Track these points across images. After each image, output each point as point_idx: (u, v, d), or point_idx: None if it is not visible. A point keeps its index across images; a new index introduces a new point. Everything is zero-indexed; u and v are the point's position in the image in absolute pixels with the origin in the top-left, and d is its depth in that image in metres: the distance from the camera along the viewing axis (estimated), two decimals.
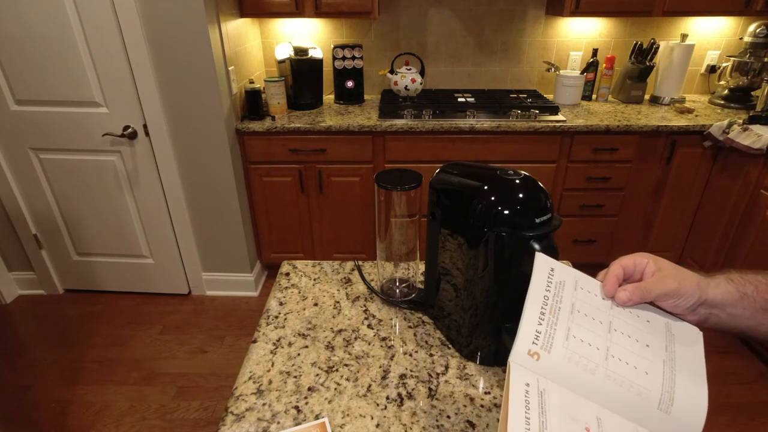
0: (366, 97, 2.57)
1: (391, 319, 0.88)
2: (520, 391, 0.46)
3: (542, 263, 0.56)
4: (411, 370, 0.76)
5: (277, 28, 2.45)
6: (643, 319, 0.54)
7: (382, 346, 0.81)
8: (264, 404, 0.70)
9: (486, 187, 0.67)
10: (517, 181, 0.67)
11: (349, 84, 2.41)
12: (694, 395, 0.49)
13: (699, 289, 0.51)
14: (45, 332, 2.21)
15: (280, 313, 0.90)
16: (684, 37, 2.31)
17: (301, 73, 2.28)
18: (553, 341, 0.50)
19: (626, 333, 0.52)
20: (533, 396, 0.46)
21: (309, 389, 0.72)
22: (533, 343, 0.50)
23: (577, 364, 0.50)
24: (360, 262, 1.05)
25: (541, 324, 0.51)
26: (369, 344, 0.82)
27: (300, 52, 2.27)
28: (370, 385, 0.73)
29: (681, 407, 0.48)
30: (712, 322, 0.53)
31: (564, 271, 0.56)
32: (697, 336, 0.53)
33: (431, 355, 0.79)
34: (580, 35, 2.48)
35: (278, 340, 0.83)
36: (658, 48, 2.31)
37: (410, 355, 0.79)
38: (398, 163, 2.17)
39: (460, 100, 2.37)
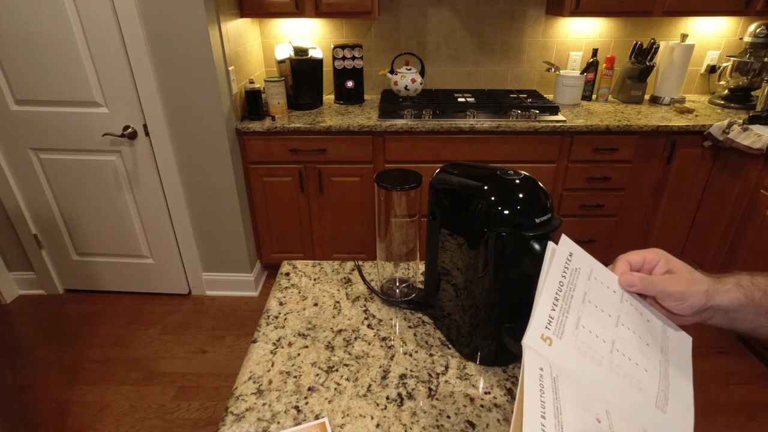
0: (366, 97, 2.57)
1: (391, 319, 0.88)
2: (535, 374, 0.46)
3: (564, 246, 0.55)
4: (411, 370, 0.76)
5: (277, 28, 2.45)
6: (645, 318, 0.54)
7: (382, 346, 0.81)
8: (264, 404, 0.70)
9: (486, 187, 0.67)
10: (517, 181, 0.67)
11: (349, 84, 2.40)
12: (684, 397, 0.50)
13: (706, 296, 0.52)
14: (45, 332, 2.21)
15: (280, 313, 0.90)
16: (684, 37, 2.31)
17: (301, 73, 2.28)
18: (565, 328, 0.50)
19: (631, 329, 0.53)
20: (547, 380, 0.46)
21: (309, 389, 0.72)
22: (546, 327, 0.50)
23: (585, 353, 0.50)
24: (360, 262, 1.05)
25: (554, 310, 0.51)
26: (369, 344, 0.82)
27: (300, 52, 2.27)
28: (370, 385, 0.73)
29: (674, 408, 0.49)
30: (712, 321, 0.54)
31: (582, 258, 0.56)
32: (687, 342, 0.54)
33: (431, 355, 0.79)
34: (580, 35, 2.48)
35: (278, 340, 0.83)
36: (658, 48, 2.31)
37: (410, 355, 0.79)
38: (398, 163, 2.17)
39: (460, 100, 2.37)
